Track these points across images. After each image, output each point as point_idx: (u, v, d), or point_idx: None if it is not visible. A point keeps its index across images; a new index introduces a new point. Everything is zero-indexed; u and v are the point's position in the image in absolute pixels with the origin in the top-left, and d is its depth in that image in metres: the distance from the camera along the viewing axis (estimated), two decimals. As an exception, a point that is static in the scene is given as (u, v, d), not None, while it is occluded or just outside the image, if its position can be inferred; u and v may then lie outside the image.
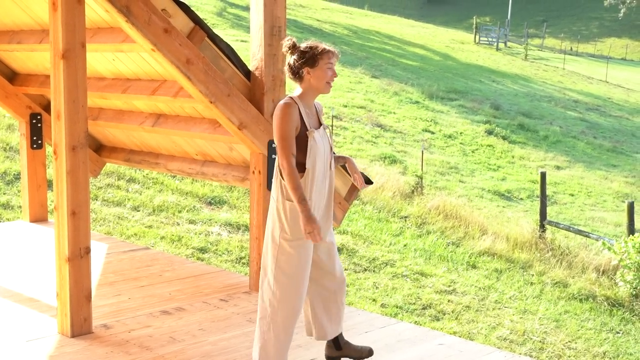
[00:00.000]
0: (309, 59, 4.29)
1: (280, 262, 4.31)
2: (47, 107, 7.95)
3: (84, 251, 4.91)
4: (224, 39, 5.71)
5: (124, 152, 7.48)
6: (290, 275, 4.32)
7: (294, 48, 4.34)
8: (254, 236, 6.06)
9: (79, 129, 4.79)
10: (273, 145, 5.81)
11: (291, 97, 4.32)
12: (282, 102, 4.28)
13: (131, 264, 7.02)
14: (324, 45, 4.35)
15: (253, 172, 5.96)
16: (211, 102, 5.33)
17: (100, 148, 7.82)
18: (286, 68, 4.40)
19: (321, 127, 4.44)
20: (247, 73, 5.84)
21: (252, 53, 5.80)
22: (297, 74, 4.33)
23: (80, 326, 5.15)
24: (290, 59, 4.35)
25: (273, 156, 5.83)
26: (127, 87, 6.12)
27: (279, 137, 4.23)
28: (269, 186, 5.92)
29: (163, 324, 5.49)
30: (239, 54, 5.91)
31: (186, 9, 5.30)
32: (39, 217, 8.40)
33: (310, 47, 4.32)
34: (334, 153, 4.58)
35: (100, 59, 6.28)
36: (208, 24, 23.50)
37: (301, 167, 4.31)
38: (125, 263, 7.04)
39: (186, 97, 5.68)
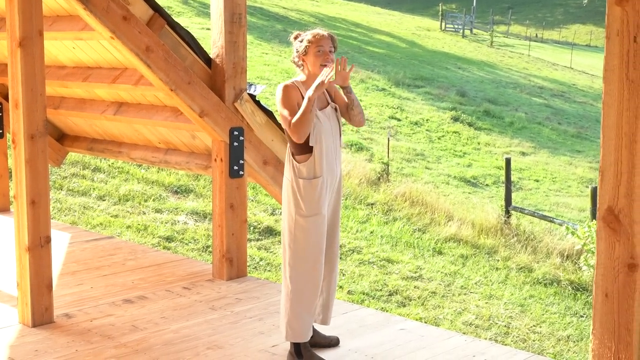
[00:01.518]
0: (300, 48, 4.53)
1: (298, 238, 4.51)
2: (7, 96, 7.87)
3: (44, 240, 4.85)
4: (187, 27, 5.70)
5: (87, 141, 7.41)
6: (308, 249, 4.51)
7: (294, 41, 4.62)
8: (217, 224, 6.03)
9: (38, 118, 4.73)
10: (235, 133, 5.80)
11: (292, 81, 4.56)
12: (281, 84, 4.52)
13: (94, 253, 6.95)
14: (313, 31, 4.55)
15: (215, 159, 5.92)
16: (171, 90, 5.30)
17: (62, 137, 7.73)
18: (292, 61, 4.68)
19: (328, 107, 4.62)
20: (208, 60, 5.82)
21: (212, 40, 5.76)
22: (297, 64, 4.59)
23: (42, 316, 5.10)
24: (292, 52, 4.62)
25: (235, 144, 5.82)
26: (87, 76, 6.06)
27: (280, 110, 4.44)
28: (231, 174, 5.91)
29: (125, 313, 5.45)
30: (204, 41, 5.90)
31: (145, -4, 5.27)
32: (1, 206, 8.32)
33: (301, 37, 4.56)
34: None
35: (60, 47, 6.21)
36: (174, 12, 23.19)
37: (308, 148, 4.49)
38: (88, 252, 6.97)
39: (147, 85, 5.64)
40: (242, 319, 5.38)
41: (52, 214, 9.81)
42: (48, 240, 4.87)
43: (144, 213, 10.66)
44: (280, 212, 11.56)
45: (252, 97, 5.89)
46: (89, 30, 5.33)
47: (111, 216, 10.30)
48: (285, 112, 4.41)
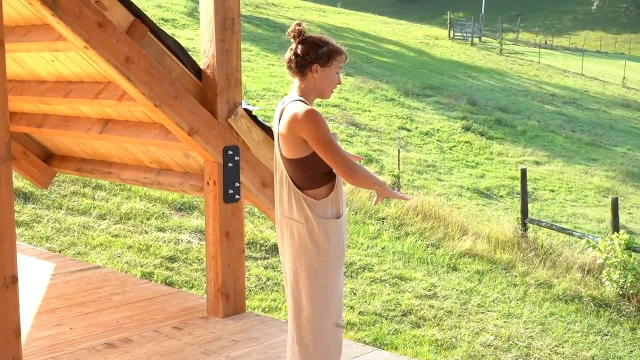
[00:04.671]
0: (323, 55, 3.71)
1: (326, 290, 3.72)
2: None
3: (10, 280, 4.17)
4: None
5: (75, 161, 6.84)
6: (335, 298, 3.78)
7: (302, 35, 3.73)
8: (211, 254, 5.44)
9: (0, 140, 4.00)
10: (229, 152, 5.22)
11: (300, 99, 3.71)
12: (304, 106, 3.64)
13: (78, 286, 6.38)
14: (338, 45, 3.79)
15: (207, 182, 5.34)
16: (156, 106, 4.73)
17: (50, 157, 7.21)
18: (290, 57, 3.74)
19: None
20: (198, 72, 5.24)
21: (202, 49, 5.20)
22: (303, 68, 3.71)
23: (7, 367, 4.44)
24: (298, 48, 3.71)
25: (229, 164, 5.23)
26: (69, 91, 5.48)
27: (327, 139, 3.59)
28: (225, 198, 5.32)
29: (105, 360, 4.88)
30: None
31: (124, 1, 4.70)
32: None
33: (326, 42, 3.74)
34: None
35: (39, 60, 5.66)
36: (179, 25, 22.56)
37: (330, 176, 3.72)
38: (71, 285, 6.40)
39: (132, 101, 5.07)
40: (239, 367, 4.78)
41: (50, 235, 9.43)
42: (14, 280, 4.16)
43: (146, 232, 10.24)
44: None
45: (248, 112, 5.28)
46: (64, 40, 4.77)
47: (112, 236, 9.89)
48: (331, 140, 3.60)
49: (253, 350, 5.01)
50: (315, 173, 3.70)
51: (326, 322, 3.74)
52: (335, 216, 3.72)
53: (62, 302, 6.00)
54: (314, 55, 3.69)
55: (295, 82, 3.80)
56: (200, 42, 5.21)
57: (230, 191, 5.30)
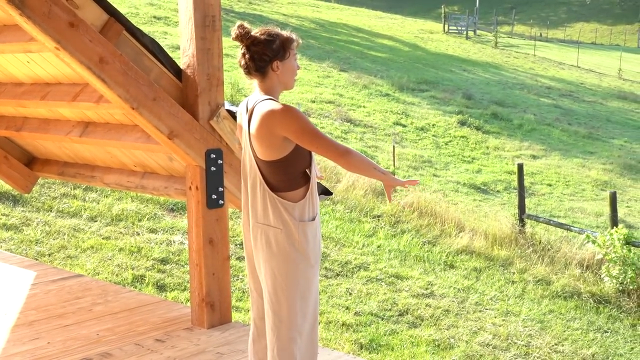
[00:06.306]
0: (279, 49, 3.53)
1: (305, 295, 3.59)
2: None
3: None
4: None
5: (58, 165, 6.58)
6: (314, 303, 3.66)
7: (248, 37, 3.54)
8: (194, 262, 5.18)
9: None
10: (212, 156, 4.98)
11: (269, 98, 3.52)
12: (277, 104, 3.46)
13: (59, 296, 6.08)
14: (289, 32, 3.61)
15: (190, 187, 5.08)
16: (133, 109, 4.49)
17: (32, 161, 6.97)
18: (246, 62, 3.56)
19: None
20: (178, 72, 4.99)
21: (182, 49, 4.96)
22: (263, 68, 3.54)
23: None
24: (251, 50, 3.53)
25: (212, 168, 4.99)
26: (46, 93, 5.22)
27: (311, 129, 3.42)
28: (209, 204, 5.08)
29: (81, 379, 4.59)
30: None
31: (98, -2, 4.48)
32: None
33: (276, 34, 3.55)
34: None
35: (14, 62, 5.41)
36: (171, 22, 22.18)
37: (306, 176, 3.58)
38: (52, 296, 6.11)
39: (110, 103, 4.82)
40: (224, 383, 4.53)
41: (40, 238, 9.23)
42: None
43: (138, 234, 10.04)
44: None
45: (231, 113, 5.03)
46: (37, 41, 4.50)
47: (103, 238, 9.69)
48: (315, 130, 3.42)
49: (239, 363, 4.78)
50: (292, 174, 3.53)
51: (304, 326, 3.61)
52: (312, 218, 3.58)
53: (41, 313, 5.72)
54: (270, 53, 3.53)
55: (255, 82, 3.63)
56: (180, 41, 4.98)
57: (214, 196, 5.07)
